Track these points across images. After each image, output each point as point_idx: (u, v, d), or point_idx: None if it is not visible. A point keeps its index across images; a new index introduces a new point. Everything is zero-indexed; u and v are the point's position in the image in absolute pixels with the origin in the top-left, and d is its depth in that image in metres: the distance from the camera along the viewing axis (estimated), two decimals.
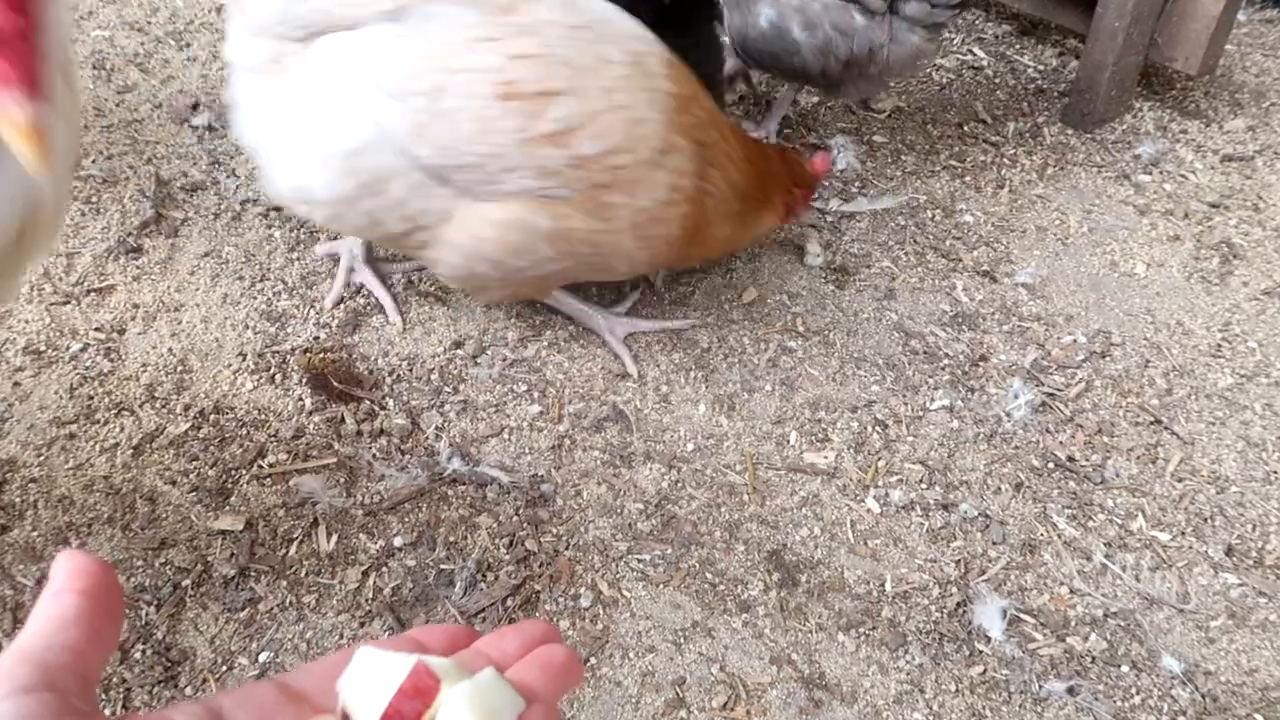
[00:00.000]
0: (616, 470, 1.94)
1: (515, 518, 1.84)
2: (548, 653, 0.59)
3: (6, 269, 1.03)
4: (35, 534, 1.74)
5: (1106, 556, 1.85)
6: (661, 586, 1.76)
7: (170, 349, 2.04)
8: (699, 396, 2.09)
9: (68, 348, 2.03)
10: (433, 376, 2.06)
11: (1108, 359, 2.21)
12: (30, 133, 0.72)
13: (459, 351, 2.12)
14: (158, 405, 1.94)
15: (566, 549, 1.80)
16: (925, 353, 2.19)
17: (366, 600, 1.71)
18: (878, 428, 2.03)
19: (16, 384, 1.94)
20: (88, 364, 2.00)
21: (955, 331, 2.24)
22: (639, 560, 1.80)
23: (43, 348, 2.03)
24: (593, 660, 1.66)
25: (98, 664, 0.44)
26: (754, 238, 2.25)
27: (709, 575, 1.78)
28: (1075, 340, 2.24)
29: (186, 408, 1.94)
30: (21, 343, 2.03)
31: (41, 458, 1.84)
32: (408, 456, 1.91)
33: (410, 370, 2.07)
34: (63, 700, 0.40)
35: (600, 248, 1.87)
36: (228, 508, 1.80)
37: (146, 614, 1.65)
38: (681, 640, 1.69)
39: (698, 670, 1.65)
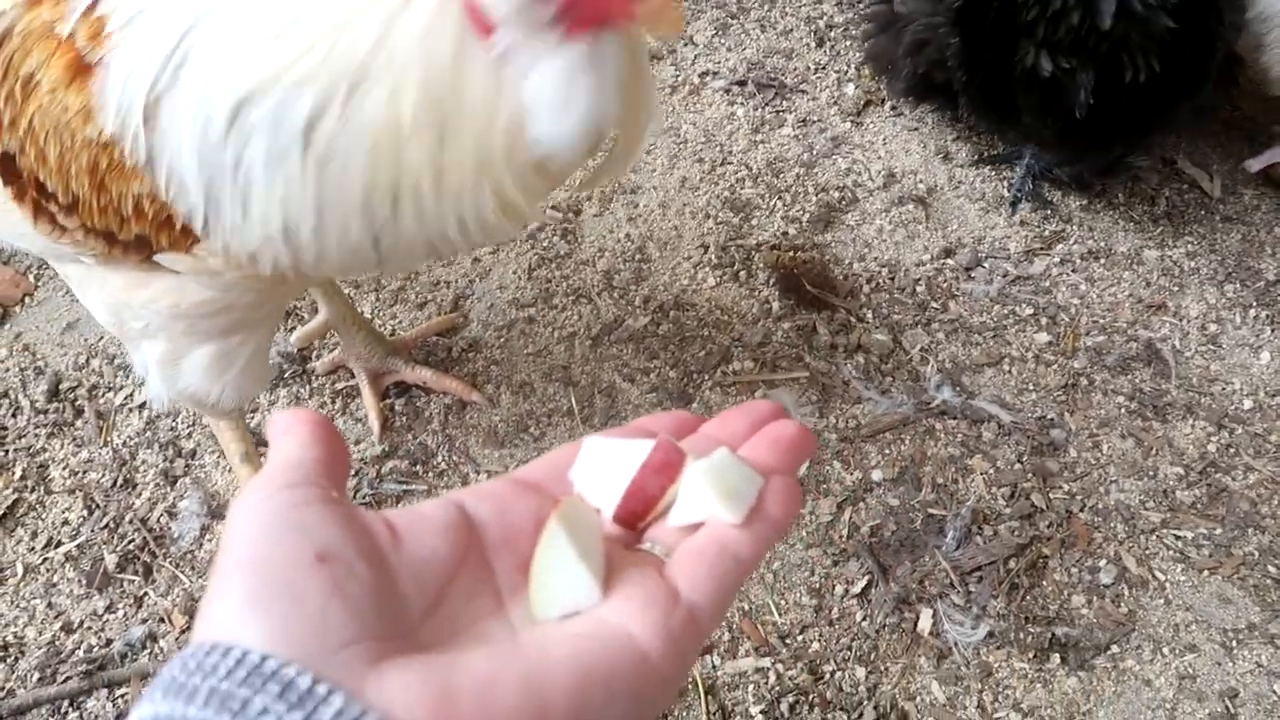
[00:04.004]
0: (1147, 423, 1.60)
1: (1017, 465, 1.56)
2: (777, 429, 0.56)
3: (599, 176, 1.07)
4: (497, 419, 1.64)
5: None
6: (1206, 573, 1.46)
7: (628, 234, 1.88)
8: (1260, 341, 1.69)
9: (524, 225, 1.91)
10: (918, 288, 1.78)
11: None
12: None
13: (949, 261, 1.82)
14: (615, 295, 1.79)
15: (1082, 510, 1.52)
16: None
17: (841, 537, 1.49)
18: None
19: (476, 259, 1.85)
20: (545, 244, 1.87)
21: None
22: (1176, 537, 1.49)
23: None
24: (1114, 649, 1.39)
25: (341, 474, 0.49)
26: None
27: (1272, 569, 1.45)
28: None
29: (646, 300, 1.78)
30: None
31: (501, 339, 1.74)
32: (889, 379, 1.66)
33: (891, 279, 1.80)
34: (324, 492, 0.45)
35: None
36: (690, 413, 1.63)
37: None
38: (1232, 643, 1.40)
39: (1254, 684, 1.35)
